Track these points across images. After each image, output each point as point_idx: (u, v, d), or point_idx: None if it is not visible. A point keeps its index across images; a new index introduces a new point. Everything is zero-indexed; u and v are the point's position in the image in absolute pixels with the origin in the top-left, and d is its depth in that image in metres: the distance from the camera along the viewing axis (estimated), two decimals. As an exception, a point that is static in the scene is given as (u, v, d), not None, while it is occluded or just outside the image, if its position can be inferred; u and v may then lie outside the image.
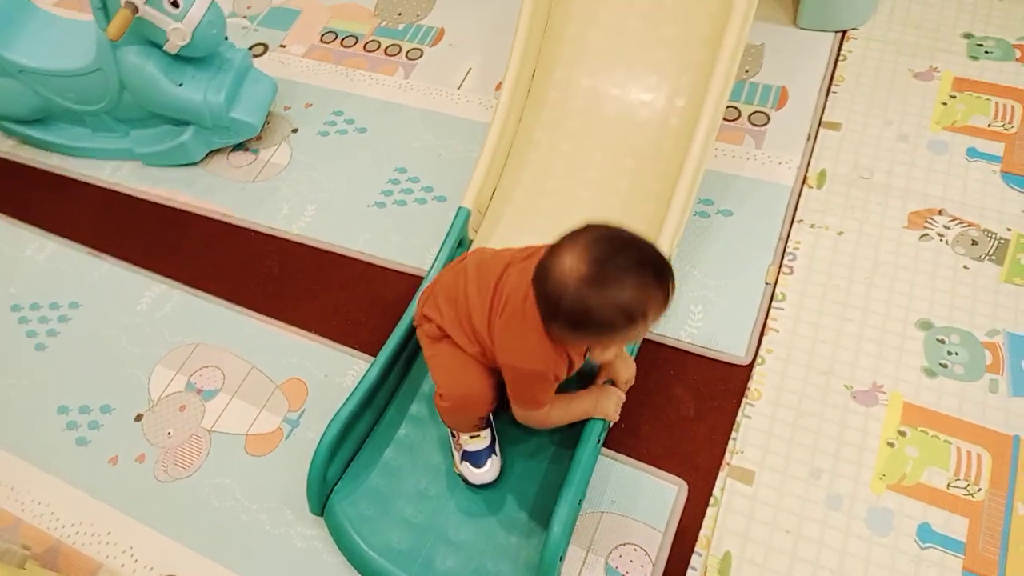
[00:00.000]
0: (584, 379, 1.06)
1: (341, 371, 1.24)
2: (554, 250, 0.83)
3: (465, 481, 1.04)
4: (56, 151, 1.63)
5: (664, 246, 1.11)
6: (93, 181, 1.58)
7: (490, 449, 1.04)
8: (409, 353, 1.17)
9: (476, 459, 1.03)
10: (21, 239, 1.51)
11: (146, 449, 1.20)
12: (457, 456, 1.05)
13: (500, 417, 1.08)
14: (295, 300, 1.34)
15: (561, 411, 1.00)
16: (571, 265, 0.79)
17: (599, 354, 0.92)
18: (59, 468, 1.20)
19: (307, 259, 1.39)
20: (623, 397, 1.06)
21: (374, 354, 1.11)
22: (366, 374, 1.08)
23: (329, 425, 1.04)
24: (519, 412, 0.99)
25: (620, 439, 1.10)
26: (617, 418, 1.06)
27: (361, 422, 1.10)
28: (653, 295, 0.81)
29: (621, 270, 0.79)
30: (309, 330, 1.29)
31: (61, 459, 1.21)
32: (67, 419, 1.25)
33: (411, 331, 1.13)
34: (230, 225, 1.46)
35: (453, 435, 1.06)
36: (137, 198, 1.54)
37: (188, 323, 1.34)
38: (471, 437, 1.03)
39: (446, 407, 1.00)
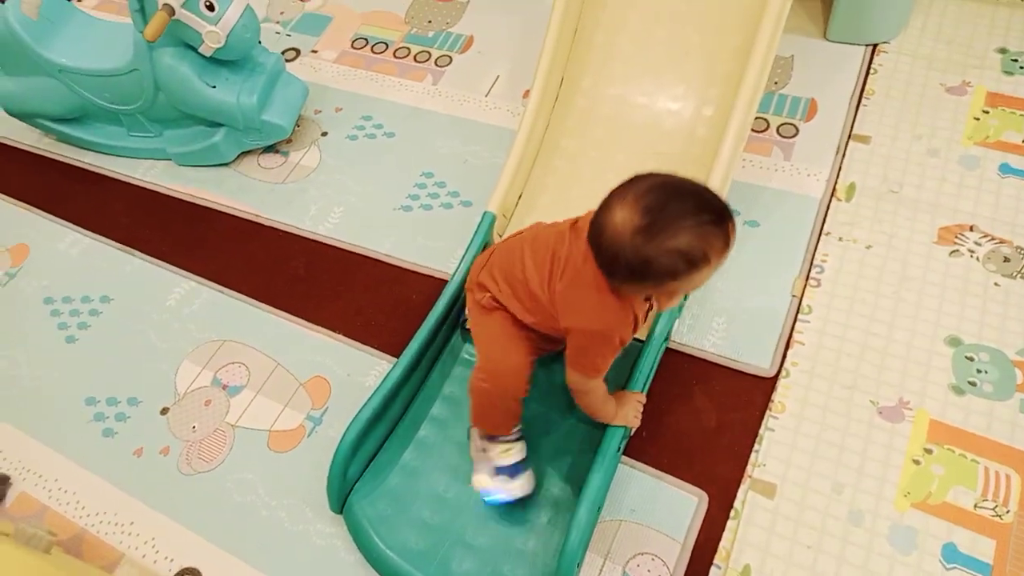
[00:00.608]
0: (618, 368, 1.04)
1: (364, 371, 1.25)
2: (605, 205, 0.82)
3: (489, 498, 1.01)
4: (91, 149, 1.68)
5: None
6: (127, 179, 1.62)
7: (526, 463, 1.01)
8: (431, 355, 1.18)
9: (512, 472, 1.00)
10: (55, 233, 1.55)
11: (171, 442, 1.22)
12: (487, 472, 1.01)
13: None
14: (320, 300, 1.35)
15: (601, 394, 0.99)
16: (624, 217, 0.79)
17: (665, 302, 0.90)
18: (85, 458, 1.22)
19: (333, 260, 1.40)
20: (642, 401, 1.06)
21: (397, 355, 1.12)
22: (388, 374, 1.09)
23: (350, 425, 1.05)
24: (572, 377, 0.96)
25: (641, 448, 1.10)
26: (638, 424, 1.06)
27: (382, 422, 1.11)
28: (713, 237, 0.79)
29: (676, 216, 0.77)
30: (333, 330, 1.31)
31: (88, 449, 1.23)
32: (95, 410, 1.27)
33: (434, 333, 1.14)
34: (259, 225, 1.48)
35: (485, 447, 1.01)
36: (169, 196, 1.57)
37: (215, 320, 1.36)
38: (502, 452, 1.00)
39: (481, 382, 0.97)
